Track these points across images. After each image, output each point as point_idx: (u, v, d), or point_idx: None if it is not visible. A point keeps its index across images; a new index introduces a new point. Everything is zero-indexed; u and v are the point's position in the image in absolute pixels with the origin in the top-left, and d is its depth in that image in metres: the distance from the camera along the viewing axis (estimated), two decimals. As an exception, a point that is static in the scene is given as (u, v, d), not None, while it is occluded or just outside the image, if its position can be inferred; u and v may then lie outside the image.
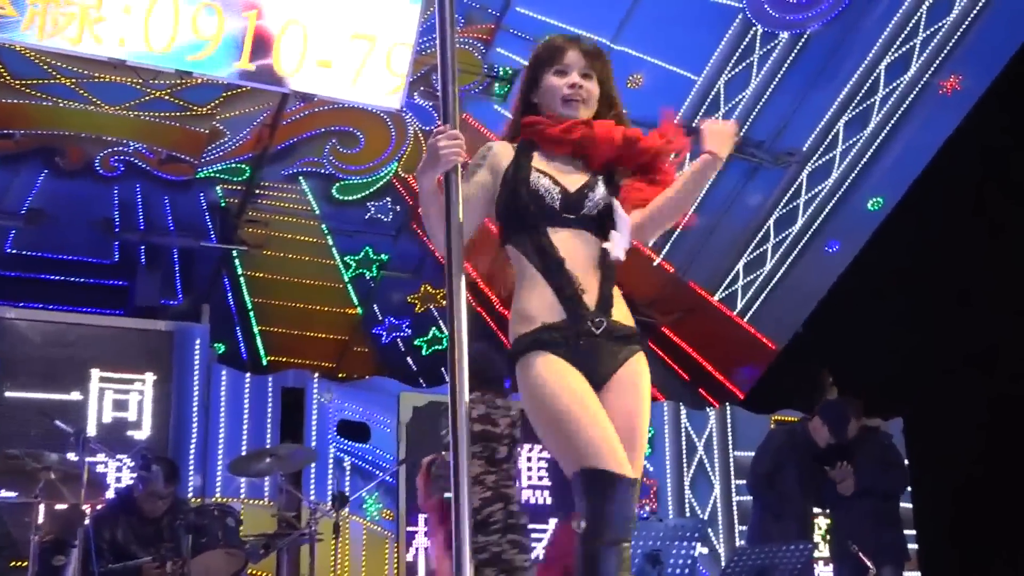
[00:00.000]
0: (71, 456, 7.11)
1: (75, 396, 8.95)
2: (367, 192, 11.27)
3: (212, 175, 10.66)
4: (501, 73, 10.51)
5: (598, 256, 3.36)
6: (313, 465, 9.00)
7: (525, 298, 3.35)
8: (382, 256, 11.64)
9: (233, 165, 10.64)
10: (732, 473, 11.23)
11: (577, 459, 3.16)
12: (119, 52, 8.44)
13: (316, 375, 9.78)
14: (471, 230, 3.34)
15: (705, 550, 10.45)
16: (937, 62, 10.80)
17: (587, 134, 3.42)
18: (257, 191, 10.79)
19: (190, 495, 8.85)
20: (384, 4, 9.05)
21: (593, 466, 3.12)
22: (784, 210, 11.49)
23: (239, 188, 10.75)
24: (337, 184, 11.14)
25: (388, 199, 11.36)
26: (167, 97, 9.80)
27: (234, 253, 10.90)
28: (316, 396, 9.61)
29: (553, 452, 3.34)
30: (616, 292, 3.42)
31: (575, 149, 3.44)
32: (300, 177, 11.03)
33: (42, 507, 6.83)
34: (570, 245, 3.34)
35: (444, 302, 3.35)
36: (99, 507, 7.20)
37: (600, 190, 3.41)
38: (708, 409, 11.71)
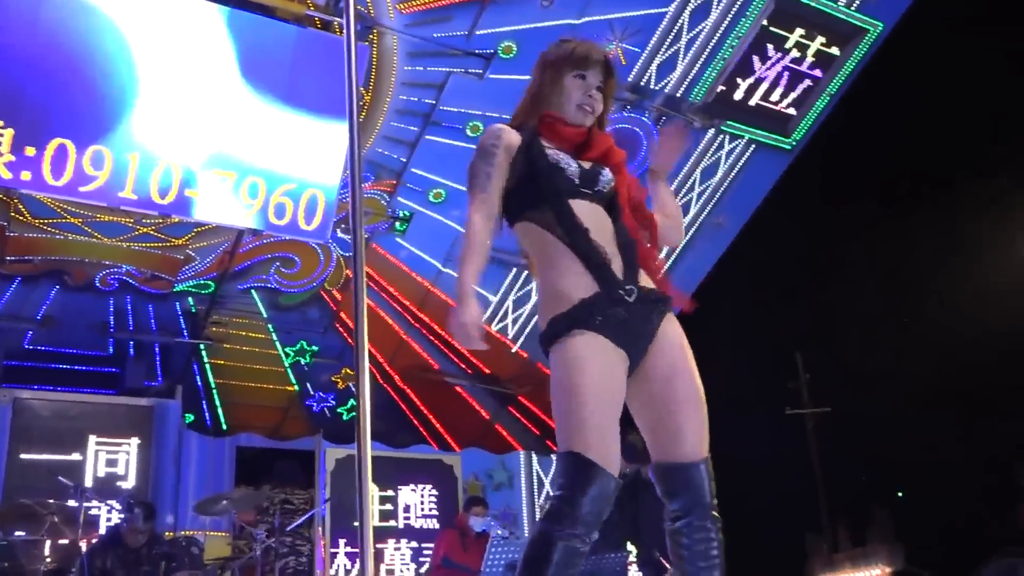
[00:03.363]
0: (71, 503, 6.85)
1: (76, 457, 8.66)
2: (302, 301, 11.16)
3: (185, 289, 10.47)
4: (401, 215, 10.59)
5: (614, 229, 2.56)
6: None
7: (555, 276, 2.50)
8: (313, 347, 11.51)
9: (201, 282, 10.47)
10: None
11: (568, 438, 2.37)
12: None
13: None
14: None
15: (551, 561, 10.41)
16: (709, 207, 11.22)
17: (591, 136, 2.68)
18: (219, 301, 10.62)
19: (166, 530, 8.56)
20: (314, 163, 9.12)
21: (580, 452, 2.34)
22: (604, 312, 11.66)
23: (206, 298, 10.57)
24: (280, 295, 11.02)
25: (317, 306, 11.26)
26: (152, 232, 9.65)
27: (201, 346, 10.67)
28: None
29: (556, 423, 2.45)
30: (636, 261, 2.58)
31: (577, 148, 2.67)
32: (252, 290, 10.88)
33: (48, 543, 6.57)
34: (590, 216, 2.54)
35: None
36: (93, 542, 6.93)
37: (608, 172, 2.65)
38: (553, 456, 11.75)
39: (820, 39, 9.92)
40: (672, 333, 2.58)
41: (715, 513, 2.50)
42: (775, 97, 10.24)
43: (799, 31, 9.77)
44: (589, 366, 2.41)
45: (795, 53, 9.98)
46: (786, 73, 10.08)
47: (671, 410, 2.50)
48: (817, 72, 10.18)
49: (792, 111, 10.36)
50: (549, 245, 2.54)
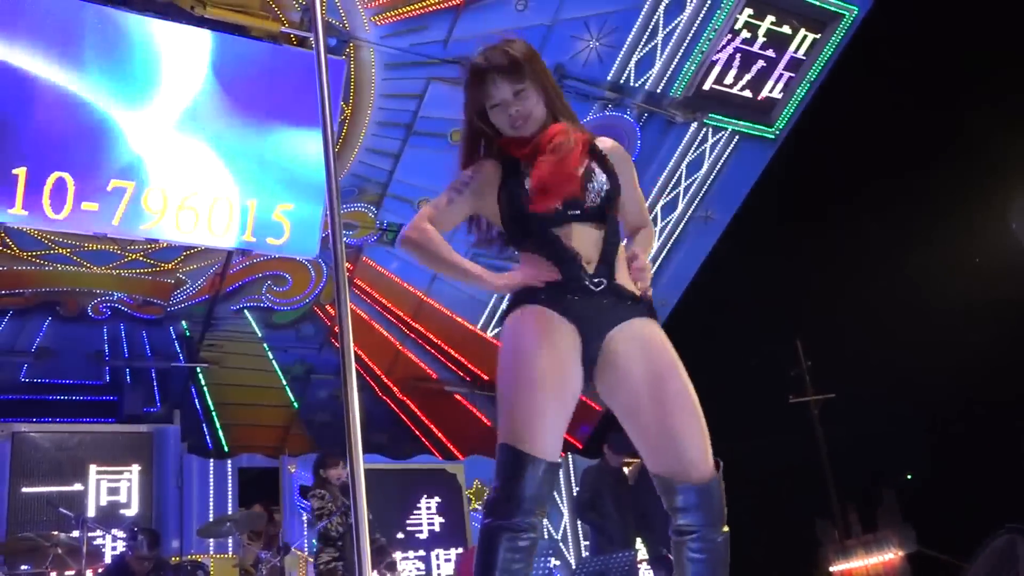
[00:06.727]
0: (74, 534, 6.88)
1: (77, 487, 8.68)
2: (296, 318, 11.18)
3: (178, 313, 10.49)
4: (389, 226, 10.61)
5: (600, 242, 2.48)
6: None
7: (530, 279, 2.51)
8: (310, 364, 11.53)
9: (194, 305, 10.50)
10: (575, 504, 11.24)
11: (504, 431, 2.36)
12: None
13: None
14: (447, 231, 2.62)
15: (559, 562, 10.44)
16: (696, 202, 11.26)
17: (542, 141, 2.53)
18: (213, 323, 10.64)
19: (171, 556, 8.58)
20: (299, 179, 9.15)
21: (509, 443, 2.33)
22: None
23: (199, 322, 10.60)
24: (273, 314, 11.05)
25: (312, 322, 11.29)
26: (141, 258, 9.68)
27: (198, 369, 10.71)
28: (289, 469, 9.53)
29: (499, 409, 2.43)
30: (622, 265, 2.51)
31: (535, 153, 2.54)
32: (245, 310, 10.92)
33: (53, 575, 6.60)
34: (575, 237, 2.47)
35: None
36: (99, 571, 6.96)
37: (600, 175, 2.51)
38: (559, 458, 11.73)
39: (770, 18, 9.96)
40: (653, 334, 2.47)
41: (726, 528, 2.40)
42: (729, 80, 10.28)
43: (748, 11, 9.80)
44: (535, 339, 2.39)
45: (745, 34, 10.02)
46: (738, 55, 10.12)
47: (669, 422, 2.38)
48: (770, 52, 10.21)
49: (748, 93, 10.38)
50: (531, 258, 2.54)
